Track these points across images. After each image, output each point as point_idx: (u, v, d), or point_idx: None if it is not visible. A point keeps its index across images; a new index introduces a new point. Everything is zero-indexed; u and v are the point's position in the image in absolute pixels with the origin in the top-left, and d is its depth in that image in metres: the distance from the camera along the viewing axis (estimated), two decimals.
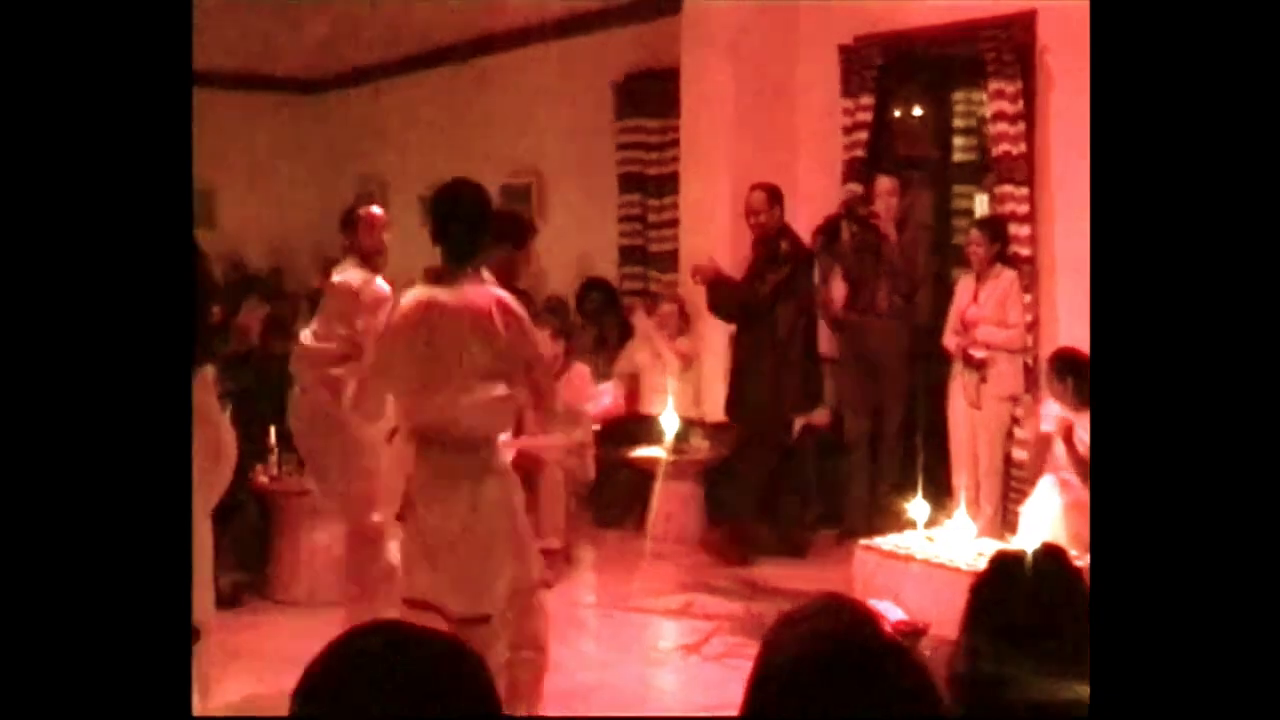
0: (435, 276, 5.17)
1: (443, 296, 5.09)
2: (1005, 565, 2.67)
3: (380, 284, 6.64)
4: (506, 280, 5.44)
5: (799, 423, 8.99)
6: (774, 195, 8.66)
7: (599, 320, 10.86)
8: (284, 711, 2.00)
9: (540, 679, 5.36)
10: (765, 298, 8.57)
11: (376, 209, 7.13)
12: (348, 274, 6.76)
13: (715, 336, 9.62)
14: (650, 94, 11.03)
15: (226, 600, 7.69)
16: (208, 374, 4.92)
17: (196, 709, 3.86)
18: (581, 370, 9.25)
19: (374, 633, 1.98)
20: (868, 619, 1.92)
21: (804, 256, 8.73)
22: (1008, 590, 2.60)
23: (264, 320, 10.14)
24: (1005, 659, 2.44)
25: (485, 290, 5.11)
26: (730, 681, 6.31)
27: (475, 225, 5.18)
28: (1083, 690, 2.21)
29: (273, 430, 7.98)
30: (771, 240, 8.64)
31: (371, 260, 6.82)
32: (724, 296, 8.78)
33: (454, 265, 5.13)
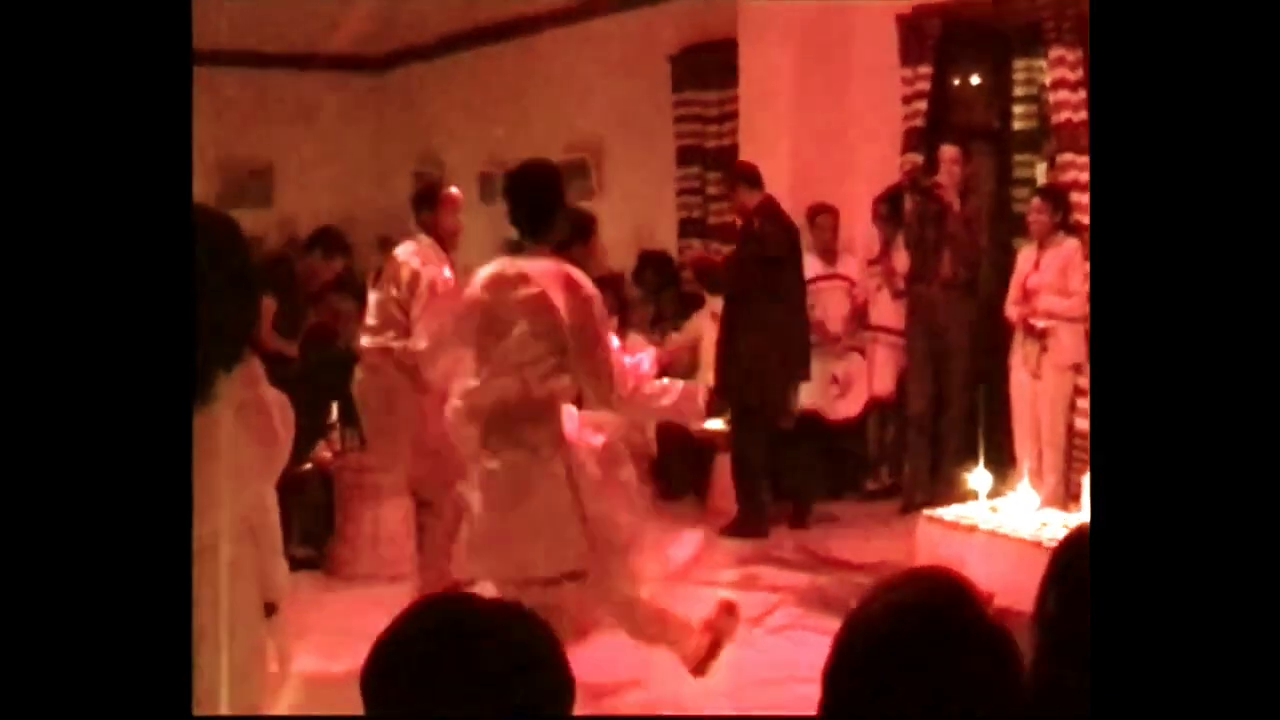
0: (510, 251, 5.31)
1: (512, 271, 5.21)
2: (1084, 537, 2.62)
3: (446, 274, 6.64)
4: (557, 241, 5.46)
5: (797, 399, 8.91)
6: (745, 178, 8.63)
7: (657, 293, 10.84)
8: (349, 688, 2.01)
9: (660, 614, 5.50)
10: (739, 278, 8.60)
11: (455, 189, 7.17)
12: (412, 255, 6.75)
13: None
14: (707, 66, 10.99)
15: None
16: (255, 366, 4.91)
17: (276, 680, 3.88)
18: (637, 344, 9.24)
19: (441, 604, 1.99)
20: (964, 594, 1.88)
21: (781, 236, 8.67)
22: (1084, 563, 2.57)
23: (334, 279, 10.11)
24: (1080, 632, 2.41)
25: (557, 266, 5.18)
26: (794, 654, 6.32)
27: (548, 203, 5.29)
28: None
29: (334, 406, 8.04)
30: (748, 221, 8.63)
31: (446, 241, 6.84)
32: (708, 280, 8.85)
33: (527, 241, 5.25)
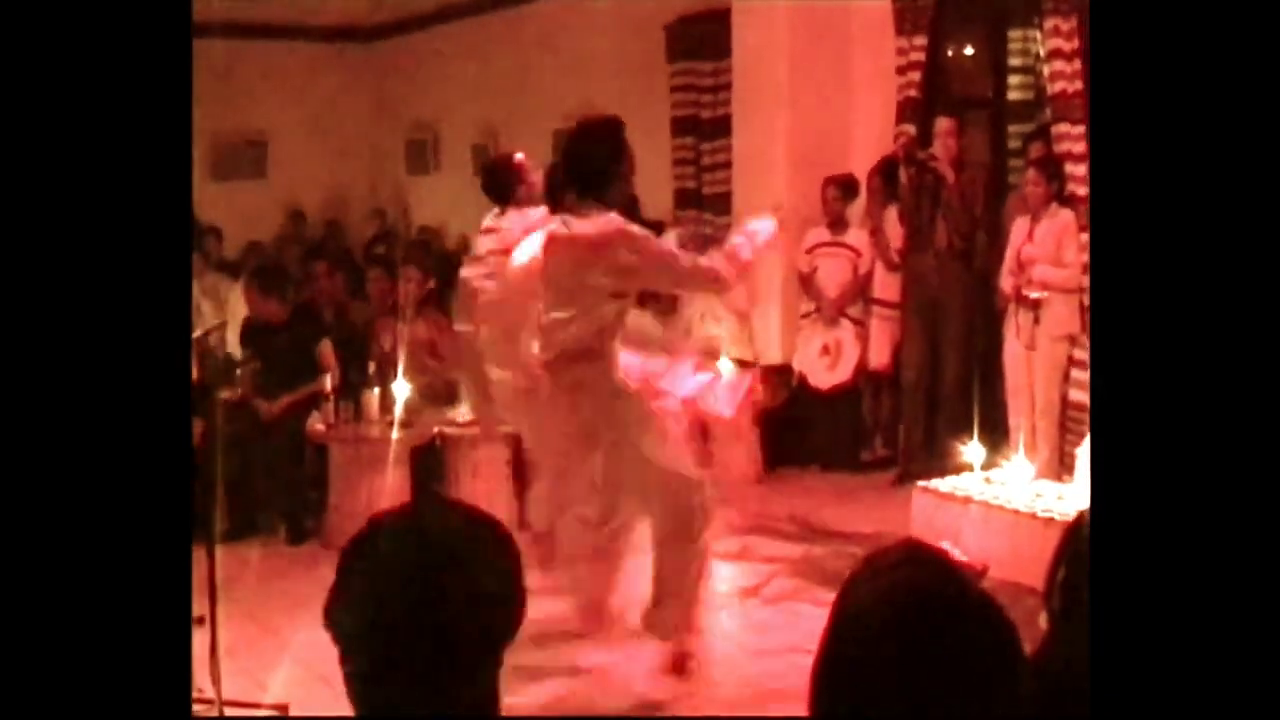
0: (568, 210, 5.52)
1: (566, 230, 5.42)
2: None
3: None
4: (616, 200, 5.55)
5: None
6: None
7: None
8: None
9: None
10: None
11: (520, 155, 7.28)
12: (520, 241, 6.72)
13: (769, 281, 9.62)
14: (702, 36, 10.96)
15: (295, 539, 7.96)
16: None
17: None
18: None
19: (401, 511, 2.04)
20: (951, 570, 1.89)
21: None
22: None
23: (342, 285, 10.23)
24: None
25: (610, 219, 5.33)
26: (789, 624, 6.35)
27: (601, 161, 5.42)
28: None
29: (328, 379, 8.07)
30: None
31: (530, 205, 6.91)
32: None
33: (580, 199, 5.43)
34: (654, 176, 11.56)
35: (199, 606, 4.52)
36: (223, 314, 10.41)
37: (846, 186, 9.45)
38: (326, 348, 8.39)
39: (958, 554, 6.63)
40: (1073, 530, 2.61)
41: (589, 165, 5.42)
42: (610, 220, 5.32)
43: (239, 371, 7.98)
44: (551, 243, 5.52)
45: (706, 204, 11.14)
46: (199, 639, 5.19)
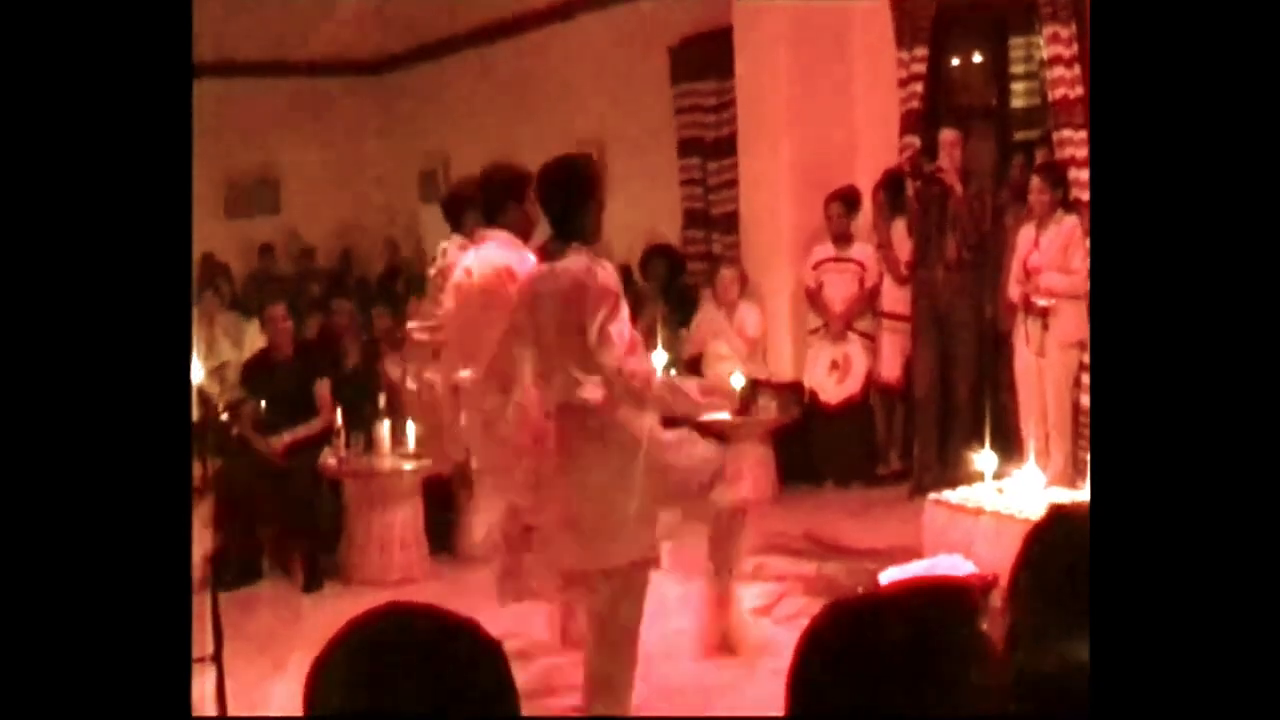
0: (546, 252, 5.33)
1: (546, 271, 5.25)
2: (1065, 519, 2.60)
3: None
4: (592, 236, 5.42)
5: None
6: None
7: (666, 286, 10.81)
8: None
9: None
10: None
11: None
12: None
13: (778, 298, 9.63)
14: (706, 57, 10.98)
15: (310, 586, 7.86)
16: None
17: None
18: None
19: (384, 616, 1.98)
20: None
21: None
22: (1064, 543, 2.55)
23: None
24: (1051, 614, 2.40)
25: (580, 262, 5.12)
26: None
27: (576, 199, 5.24)
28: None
29: (339, 412, 8.08)
30: None
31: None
32: None
33: (558, 239, 5.26)
34: (662, 197, 11.62)
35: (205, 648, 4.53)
36: (240, 352, 10.46)
37: (849, 201, 9.44)
38: (324, 388, 8.38)
39: (970, 566, 6.61)
40: (1035, 533, 2.59)
41: (557, 206, 5.27)
42: (583, 262, 5.13)
43: (239, 410, 7.99)
44: (534, 281, 5.33)
45: (715, 224, 11.16)
46: (207, 680, 5.24)
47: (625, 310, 5.20)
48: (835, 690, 1.80)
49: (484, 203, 6.14)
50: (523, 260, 5.80)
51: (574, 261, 5.15)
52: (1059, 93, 8.29)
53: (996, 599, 6.16)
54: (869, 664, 1.79)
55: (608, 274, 5.19)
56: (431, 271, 7.23)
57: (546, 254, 5.33)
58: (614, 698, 5.32)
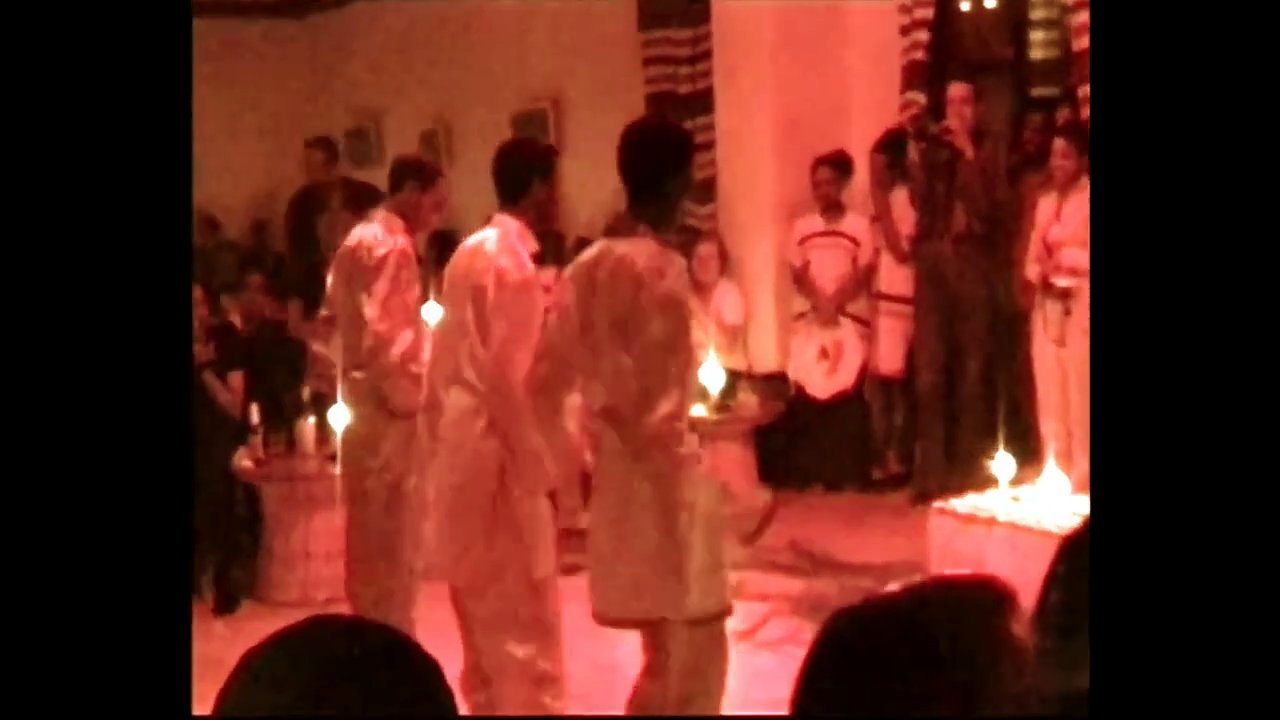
0: (611, 229, 5.13)
1: (609, 255, 4.90)
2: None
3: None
4: (540, 221, 5.39)
5: None
6: None
7: None
8: None
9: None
10: None
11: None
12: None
13: (760, 277, 9.59)
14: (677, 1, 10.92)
15: (222, 607, 7.77)
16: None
17: None
18: None
19: (310, 629, 1.95)
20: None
21: None
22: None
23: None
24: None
25: (648, 245, 4.85)
26: (790, 672, 6.25)
27: (662, 170, 4.96)
28: None
29: (255, 408, 7.98)
30: None
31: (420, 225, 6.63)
32: None
33: (630, 216, 4.97)
34: None
35: None
36: None
37: (841, 166, 9.40)
38: (236, 379, 8.27)
39: None
40: (1065, 547, 2.58)
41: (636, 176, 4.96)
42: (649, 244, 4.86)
43: None
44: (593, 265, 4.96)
45: (690, 192, 11.09)
46: None
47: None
48: (852, 695, 1.81)
49: (502, 183, 5.90)
50: (519, 261, 5.61)
51: (645, 244, 4.85)
52: (1083, 43, 8.25)
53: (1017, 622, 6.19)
54: (889, 669, 1.81)
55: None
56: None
57: (611, 232, 5.08)
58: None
